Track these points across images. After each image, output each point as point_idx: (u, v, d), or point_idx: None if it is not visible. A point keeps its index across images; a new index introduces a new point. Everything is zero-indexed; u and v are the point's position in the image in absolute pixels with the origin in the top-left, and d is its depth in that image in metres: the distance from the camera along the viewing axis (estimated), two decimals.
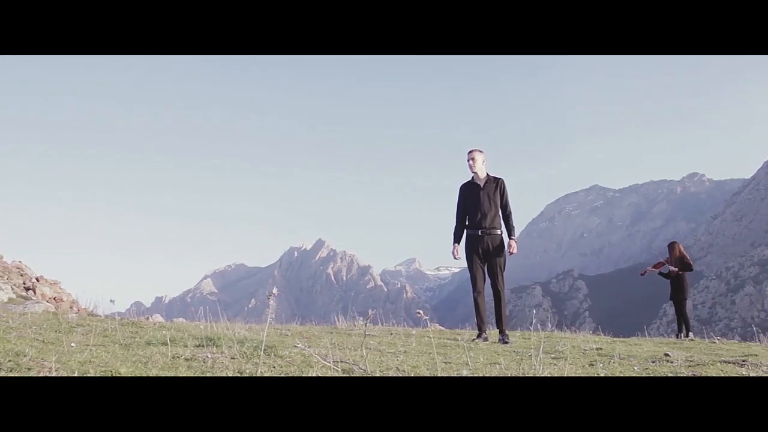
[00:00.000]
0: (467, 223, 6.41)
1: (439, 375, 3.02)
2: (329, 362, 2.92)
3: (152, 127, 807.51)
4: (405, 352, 4.58)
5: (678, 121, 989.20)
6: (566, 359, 4.56)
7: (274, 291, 2.74)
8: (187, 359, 3.18)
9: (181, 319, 11.28)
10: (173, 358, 3.19)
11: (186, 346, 3.91)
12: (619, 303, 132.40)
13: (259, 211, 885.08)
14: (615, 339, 8.20)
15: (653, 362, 4.33)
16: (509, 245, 6.23)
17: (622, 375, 3.52)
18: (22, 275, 10.44)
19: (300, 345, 3.26)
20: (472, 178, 6.42)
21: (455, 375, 3.07)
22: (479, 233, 6.25)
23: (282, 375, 2.71)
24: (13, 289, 8.94)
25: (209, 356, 3.23)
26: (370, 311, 2.66)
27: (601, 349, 5.70)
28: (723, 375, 3.53)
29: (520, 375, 2.92)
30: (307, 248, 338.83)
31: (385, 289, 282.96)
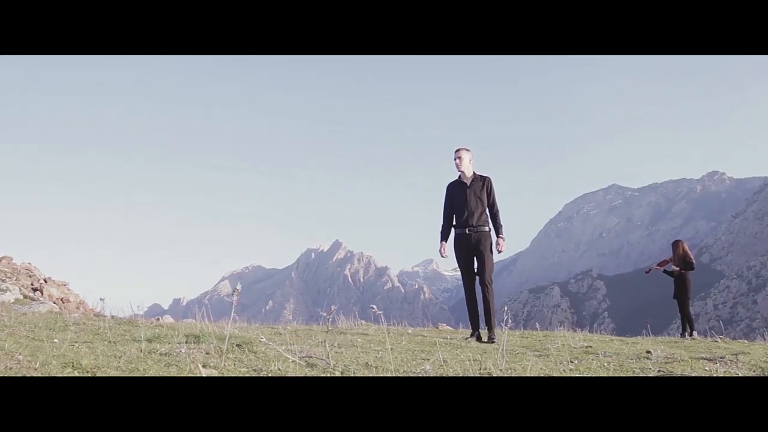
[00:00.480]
0: (455, 222, 6.44)
1: (403, 371, 3.09)
2: (293, 357, 3.02)
3: (172, 129, 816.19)
4: (391, 349, 4.66)
5: (697, 119, 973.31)
6: (548, 356, 4.61)
7: (238, 287, 2.84)
8: (161, 354, 3.30)
9: (190, 319, 11.49)
10: (148, 352, 3.31)
11: (169, 343, 4.03)
12: (639, 303, 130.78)
13: (276, 213, 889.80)
14: (614, 338, 8.20)
15: (631, 360, 4.37)
16: (497, 243, 6.26)
17: (588, 372, 3.57)
18: (30, 276, 10.71)
19: (264, 339, 3.37)
20: (459, 176, 6.46)
21: (419, 371, 3.15)
22: (467, 231, 6.28)
23: (244, 368, 2.81)
24: (20, 290, 9.19)
25: (183, 351, 3.34)
26: (332, 307, 2.75)
27: (590, 347, 5.72)
28: (689, 372, 3.56)
29: (477, 374, 2.98)
30: (324, 250, 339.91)
31: (403, 290, 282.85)
